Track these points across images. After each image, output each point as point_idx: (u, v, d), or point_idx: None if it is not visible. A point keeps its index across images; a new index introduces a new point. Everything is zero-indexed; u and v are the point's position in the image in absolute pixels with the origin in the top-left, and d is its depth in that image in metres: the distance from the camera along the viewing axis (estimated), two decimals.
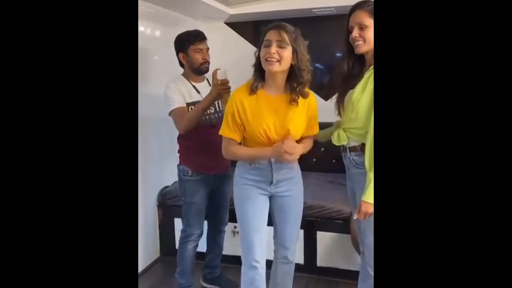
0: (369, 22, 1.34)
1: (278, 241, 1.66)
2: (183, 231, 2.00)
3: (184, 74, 1.94)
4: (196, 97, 1.88)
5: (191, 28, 1.94)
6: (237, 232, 2.41)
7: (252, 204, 1.56)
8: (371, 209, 1.35)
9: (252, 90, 1.45)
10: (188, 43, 1.85)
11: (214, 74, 1.73)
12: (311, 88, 1.55)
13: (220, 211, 2.09)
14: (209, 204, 2.01)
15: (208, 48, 1.91)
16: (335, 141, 1.52)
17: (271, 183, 1.56)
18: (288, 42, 1.36)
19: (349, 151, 1.48)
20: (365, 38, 1.35)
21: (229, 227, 2.30)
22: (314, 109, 1.53)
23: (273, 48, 1.35)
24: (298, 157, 1.49)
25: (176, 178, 2.05)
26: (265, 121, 1.45)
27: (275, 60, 1.36)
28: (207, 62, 1.89)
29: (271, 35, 1.37)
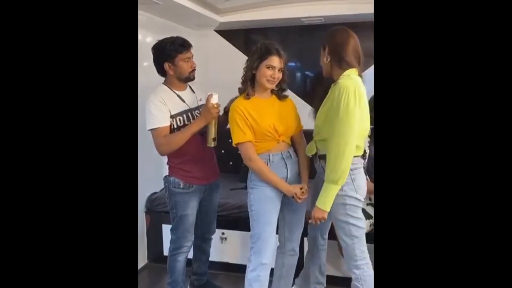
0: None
1: (286, 234, 1.80)
2: (172, 242, 1.95)
3: (166, 83, 1.86)
4: (181, 107, 1.83)
5: (182, 35, 1.89)
6: (225, 239, 2.41)
7: (270, 206, 1.68)
8: (323, 215, 1.53)
9: (247, 97, 1.67)
10: (175, 52, 1.78)
11: (209, 98, 1.70)
12: (299, 95, 1.68)
13: (208, 220, 2.05)
14: (199, 213, 1.98)
15: (192, 55, 1.86)
16: (307, 151, 1.72)
17: (286, 179, 1.69)
18: (283, 63, 1.64)
19: (319, 159, 1.65)
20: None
21: (217, 233, 2.30)
22: (294, 106, 1.78)
23: (276, 74, 1.62)
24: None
25: (163, 185, 2.01)
26: (270, 119, 1.65)
27: (274, 80, 1.64)
28: (194, 70, 1.86)
29: (275, 62, 1.61)
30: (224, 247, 2.43)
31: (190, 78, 1.87)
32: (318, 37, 2.93)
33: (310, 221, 1.60)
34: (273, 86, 1.66)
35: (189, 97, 1.88)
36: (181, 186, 1.85)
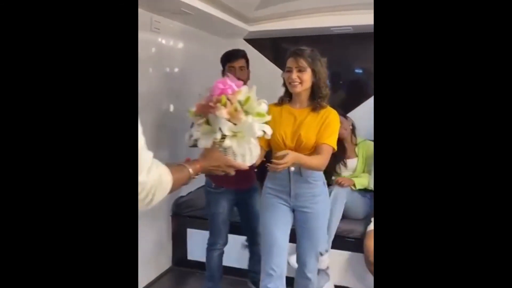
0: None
1: (297, 254, 1.74)
2: (208, 239, 2.08)
3: None
4: None
5: (211, 43, 2.00)
6: (246, 246, 2.42)
7: (272, 214, 1.65)
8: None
9: (278, 102, 1.66)
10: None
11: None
12: (329, 104, 1.65)
13: (249, 224, 2.08)
14: (240, 217, 2.10)
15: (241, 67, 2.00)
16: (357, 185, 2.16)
17: (290, 195, 1.63)
18: (306, 65, 1.56)
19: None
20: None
21: (239, 240, 2.32)
22: (331, 119, 1.60)
23: (294, 74, 1.56)
24: (285, 165, 1.44)
25: (190, 189, 2.10)
26: (282, 129, 1.59)
27: (298, 83, 1.57)
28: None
29: (291, 63, 1.58)
30: (245, 253, 2.43)
31: None
32: (347, 46, 2.97)
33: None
34: (296, 89, 1.57)
35: None
36: (212, 187, 1.99)
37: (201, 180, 2.91)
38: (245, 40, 3.04)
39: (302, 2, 2.46)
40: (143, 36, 2.09)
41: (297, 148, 1.56)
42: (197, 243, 2.46)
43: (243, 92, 1.07)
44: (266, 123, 1.14)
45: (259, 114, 1.09)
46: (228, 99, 1.04)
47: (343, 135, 2.25)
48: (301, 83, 1.57)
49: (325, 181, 1.71)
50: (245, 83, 1.86)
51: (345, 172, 2.34)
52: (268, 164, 1.44)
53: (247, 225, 2.10)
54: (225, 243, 2.08)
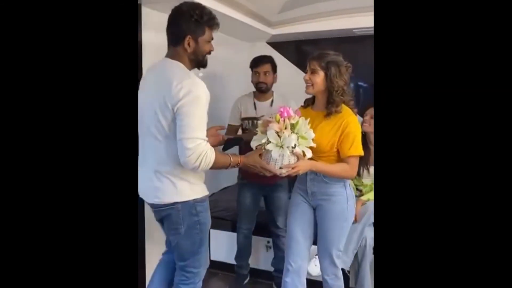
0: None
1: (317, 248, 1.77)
2: (237, 222, 2.32)
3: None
4: (251, 113, 2.16)
5: (235, 47, 2.05)
6: (270, 247, 2.43)
7: (294, 210, 1.73)
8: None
9: (304, 105, 1.75)
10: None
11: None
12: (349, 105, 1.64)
13: (272, 216, 2.24)
14: (265, 208, 2.29)
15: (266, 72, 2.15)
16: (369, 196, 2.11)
17: (307, 193, 1.67)
18: (318, 68, 1.59)
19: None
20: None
21: (262, 241, 2.34)
22: (351, 127, 1.57)
23: (307, 76, 1.62)
24: (294, 172, 1.49)
25: (214, 190, 2.17)
26: None
27: (309, 84, 1.62)
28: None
29: (308, 65, 1.65)
30: (269, 255, 2.44)
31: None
32: (370, 48, 2.93)
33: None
34: (308, 90, 1.63)
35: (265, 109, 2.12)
36: (240, 178, 2.28)
37: (225, 181, 2.96)
38: (268, 44, 3.07)
39: (324, 4, 2.46)
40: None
41: (312, 151, 1.53)
42: (220, 244, 2.49)
43: (296, 118, 1.46)
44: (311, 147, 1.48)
45: (303, 137, 1.46)
46: (283, 119, 1.44)
47: (370, 138, 2.19)
48: (312, 85, 1.60)
49: (348, 184, 1.69)
50: (269, 87, 1.93)
51: (367, 179, 2.25)
52: (281, 167, 1.47)
53: (270, 216, 2.26)
54: (249, 228, 2.28)
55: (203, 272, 1.56)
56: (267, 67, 2.16)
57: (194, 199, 1.40)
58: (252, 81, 2.20)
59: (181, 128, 1.29)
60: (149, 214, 1.66)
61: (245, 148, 1.88)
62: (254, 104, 2.19)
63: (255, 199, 2.25)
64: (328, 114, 1.59)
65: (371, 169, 2.16)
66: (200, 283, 1.56)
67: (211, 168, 1.34)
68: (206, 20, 1.41)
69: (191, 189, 1.41)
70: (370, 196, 2.13)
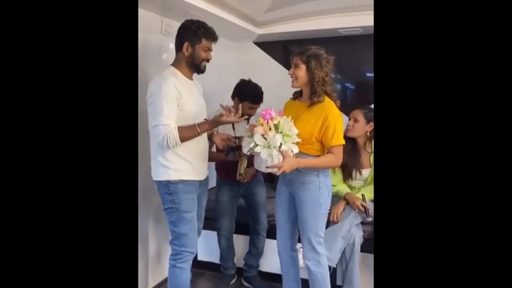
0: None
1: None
2: (216, 224, 2.33)
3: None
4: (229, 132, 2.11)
5: (221, 46, 1.98)
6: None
7: (277, 198, 1.86)
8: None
9: (293, 97, 1.84)
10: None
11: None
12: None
13: (252, 212, 2.28)
14: (246, 206, 2.31)
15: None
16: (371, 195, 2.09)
17: (285, 181, 1.78)
18: (300, 62, 1.68)
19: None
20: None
21: (247, 240, 2.33)
22: (331, 119, 1.65)
23: (291, 70, 1.72)
24: (281, 171, 1.55)
25: None
26: None
27: (294, 78, 1.72)
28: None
29: (291, 61, 1.73)
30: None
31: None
32: (356, 47, 2.96)
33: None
34: (293, 84, 1.72)
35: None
36: (218, 179, 2.33)
37: (213, 182, 2.94)
38: (254, 44, 3.06)
39: (310, 4, 2.47)
40: (154, 38, 2.13)
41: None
42: (207, 244, 2.48)
43: (277, 118, 1.55)
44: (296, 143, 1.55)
45: (287, 135, 1.54)
46: (266, 122, 1.54)
47: (359, 142, 2.18)
48: (296, 78, 1.70)
49: (323, 173, 1.72)
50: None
51: (359, 181, 2.24)
52: (267, 167, 1.55)
53: (250, 213, 2.29)
54: (229, 230, 2.29)
55: (187, 255, 1.74)
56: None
57: (167, 180, 1.67)
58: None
59: (148, 119, 1.62)
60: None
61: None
62: (232, 124, 2.10)
63: (233, 196, 2.27)
64: (311, 104, 1.68)
65: (364, 171, 2.17)
66: (185, 266, 1.74)
67: (183, 141, 1.62)
68: (203, 31, 1.69)
69: (165, 172, 1.68)
70: (364, 191, 2.12)
